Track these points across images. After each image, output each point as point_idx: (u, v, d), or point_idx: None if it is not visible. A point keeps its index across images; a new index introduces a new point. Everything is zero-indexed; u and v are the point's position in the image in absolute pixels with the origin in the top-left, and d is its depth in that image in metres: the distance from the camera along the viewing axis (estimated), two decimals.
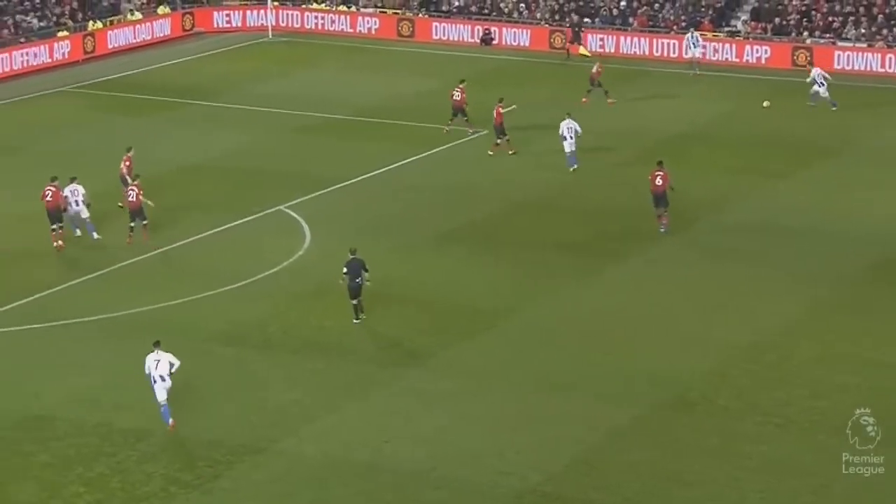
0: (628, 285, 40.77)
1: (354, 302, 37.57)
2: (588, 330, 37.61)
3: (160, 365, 32.16)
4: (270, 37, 74.15)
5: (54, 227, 42.91)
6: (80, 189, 43.88)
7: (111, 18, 71.62)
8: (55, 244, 42.85)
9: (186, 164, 52.28)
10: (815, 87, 58.34)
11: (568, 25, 71.39)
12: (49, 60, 66.75)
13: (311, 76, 66.40)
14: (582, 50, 69.79)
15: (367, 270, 37.58)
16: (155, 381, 32.13)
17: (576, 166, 50.08)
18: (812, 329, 37.36)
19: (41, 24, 69.13)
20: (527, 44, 71.63)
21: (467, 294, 40.09)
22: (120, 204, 45.42)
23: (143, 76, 66.32)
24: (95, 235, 43.92)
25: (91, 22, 70.39)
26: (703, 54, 66.83)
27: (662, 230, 44.23)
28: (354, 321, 37.51)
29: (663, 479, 30.02)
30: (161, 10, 74.10)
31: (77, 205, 43.73)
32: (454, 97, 54.82)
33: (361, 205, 47.95)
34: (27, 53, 66.14)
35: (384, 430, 32.37)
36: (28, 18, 68.83)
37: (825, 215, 46.19)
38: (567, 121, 50.18)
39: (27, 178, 48.24)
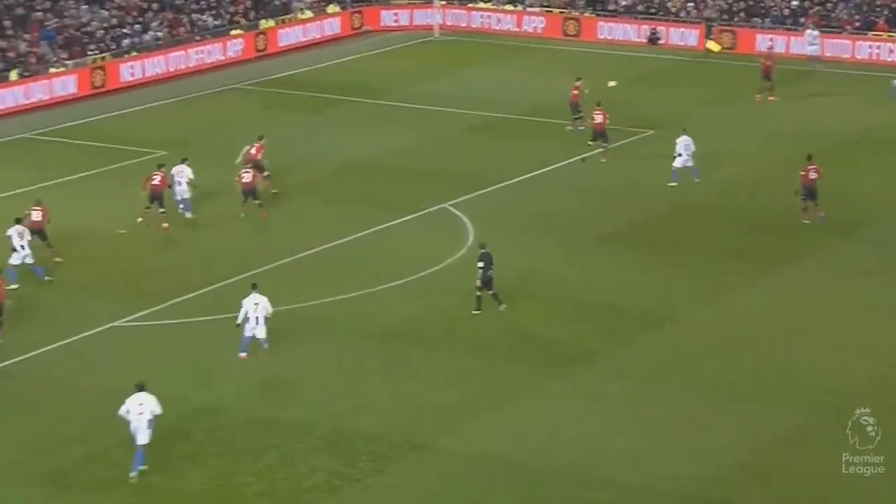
0: (795, 289, 40.16)
1: (480, 293, 37.76)
2: (753, 334, 37.16)
3: (259, 308, 35.24)
4: (437, 35, 74.47)
5: (161, 210, 44.94)
6: (188, 171, 45.77)
7: (282, 17, 72.62)
8: (146, 221, 44.89)
9: (352, 161, 52.72)
10: None
11: (702, 21, 70.61)
12: (222, 58, 67.94)
13: (476, 75, 66.51)
14: (710, 45, 68.82)
15: (493, 264, 37.96)
16: (255, 321, 35.23)
17: (675, 183, 48.70)
18: None
19: (216, 22, 70.40)
20: (694, 44, 70.91)
21: (631, 296, 39.84)
22: (242, 215, 45.96)
23: (312, 74, 67.06)
24: (188, 215, 45.96)
25: (263, 20, 71.47)
26: (821, 52, 65.88)
27: (807, 222, 44.36)
28: (474, 312, 37.87)
29: (830, 487, 29.52)
30: (330, 8, 74.92)
31: (180, 185, 45.63)
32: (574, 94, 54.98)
33: (525, 204, 47.93)
34: (201, 51, 67.39)
35: (546, 430, 32.33)
36: (204, 17, 70.16)
37: None
38: (683, 137, 49.03)
39: (198, 173, 49.13)
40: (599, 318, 38.29)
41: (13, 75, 60.69)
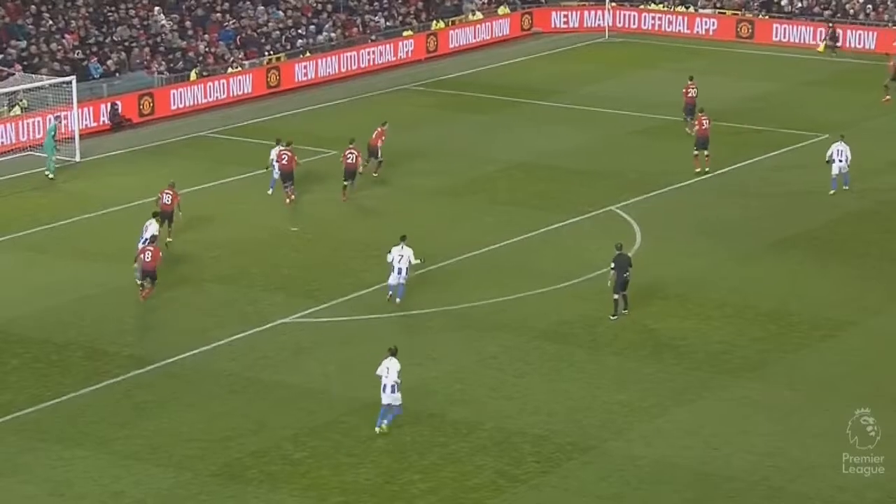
0: None
1: (616, 296, 37.58)
2: None
3: (402, 259, 37.90)
4: (607, 37, 73.96)
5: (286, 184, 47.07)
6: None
7: (453, 18, 72.76)
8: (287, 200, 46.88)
9: (521, 161, 52.60)
10: None
11: (826, 22, 69.98)
12: (394, 59, 68.29)
13: (646, 77, 65.86)
14: (820, 47, 68.32)
15: (631, 266, 37.64)
16: (398, 271, 37.89)
17: (834, 191, 47.75)
18: None
19: (388, 23, 70.82)
20: (873, 46, 69.31)
21: (805, 303, 39.11)
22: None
23: (483, 75, 67.08)
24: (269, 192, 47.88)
25: (434, 22, 71.70)
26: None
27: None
28: (611, 317, 37.61)
29: None
30: (501, 10, 74.87)
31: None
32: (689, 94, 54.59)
33: (694, 207, 47.33)
34: (373, 52, 67.82)
35: (715, 437, 31.82)
36: (376, 18, 70.64)
37: None
38: (839, 143, 47.72)
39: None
40: (771, 325, 37.61)
41: (193, 75, 61.73)
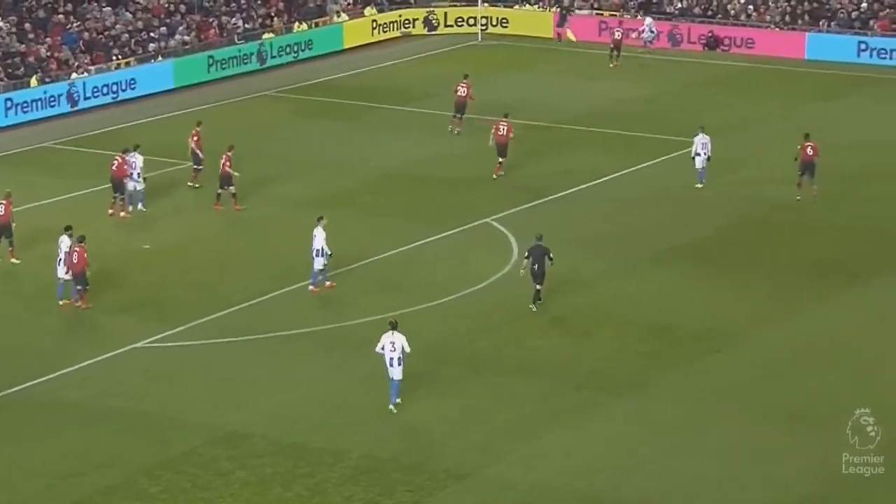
0: (871, 309, 39.66)
1: (538, 287, 38.70)
2: (824, 356, 36.75)
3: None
4: (480, 40, 74.27)
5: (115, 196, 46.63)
6: (139, 161, 47.17)
7: (317, 20, 72.43)
8: (115, 212, 46.64)
9: (389, 169, 52.44)
10: None
11: (557, 8, 72.45)
12: (258, 65, 67.76)
13: (520, 81, 66.06)
14: (569, 34, 69.71)
15: (551, 259, 38.82)
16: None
17: (702, 185, 49.49)
18: None
19: (246, 25, 70.25)
20: (754, 49, 70.39)
21: (690, 315, 39.47)
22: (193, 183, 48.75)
23: (348, 79, 66.94)
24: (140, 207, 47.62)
25: (297, 24, 71.30)
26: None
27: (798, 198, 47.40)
28: (532, 307, 38.79)
29: None
30: (368, 11, 74.72)
31: (134, 178, 47.12)
32: (458, 92, 55.98)
33: (572, 218, 47.49)
34: (234, 55, 67.24)
35: (598, 458, 31.94)
36: (233, 20, 70.03)
37: None
38: (700, 135, 49.49)
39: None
40: (656, 340, 37.83)
41: (33, 81, 60.65)
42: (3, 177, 49.62)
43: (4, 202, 42.91)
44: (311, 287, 40.80)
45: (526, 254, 39.13)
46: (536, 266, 38.85)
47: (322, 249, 40.25)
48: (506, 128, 51.03)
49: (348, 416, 34.03)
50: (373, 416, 34.00)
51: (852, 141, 55.31)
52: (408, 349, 33.76)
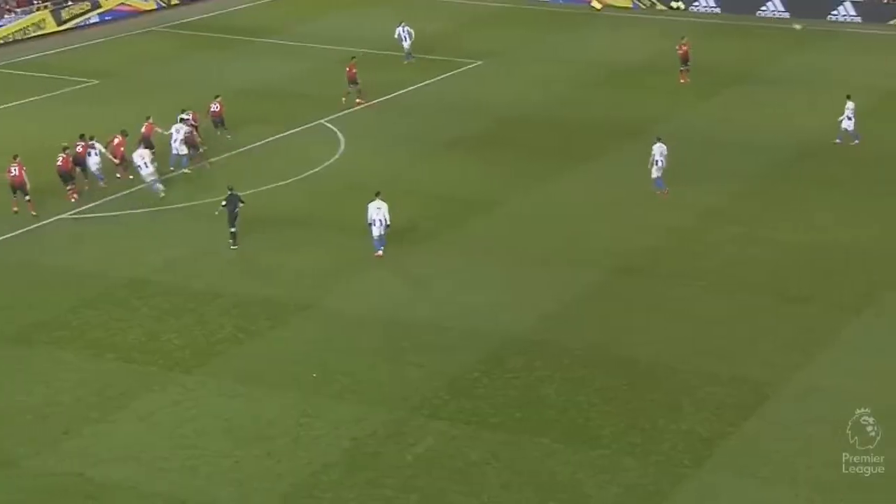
0: (596, 182, 40.58)
1: (232, 229, 35.08)
2: (557, 217, 37.66)
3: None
4: None
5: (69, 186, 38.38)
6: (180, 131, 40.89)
7: None
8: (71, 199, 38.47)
9: (250, 87, 52.04)
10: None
11: None
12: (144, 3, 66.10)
13: (341, 18, 65.54)
14: (594, 2, 65.61)
15: (242, 202, 35.14)
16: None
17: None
18: (731, 215, 37.46)
19: None
20: None
21: (465, 189, 40.12)
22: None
23: (216, 19, 65.70)
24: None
25: None
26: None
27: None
28: (232, 247, 35.16)
29: (617, 328, 30.45)
30: None
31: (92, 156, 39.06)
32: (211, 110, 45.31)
33: (385, 121, 47.81)
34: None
35: (400, 293, 32.76)
36: None
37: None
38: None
39: (126, 97, 48.43)
40: (441, 207, 38.48)
41: None
42: None
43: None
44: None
45: (223, 202, 34.99)
46: (234, 210, 34.93)
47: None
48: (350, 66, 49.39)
49: (219, 266, 34.31)
50: (238, 265, 34.35)
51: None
52: (388, 215, 33.58)
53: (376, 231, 34.40)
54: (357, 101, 48.87)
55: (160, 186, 39.20)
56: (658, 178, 38.74)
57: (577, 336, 30.09)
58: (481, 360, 28.88)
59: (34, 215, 37.30)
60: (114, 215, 38.00)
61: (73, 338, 30.04)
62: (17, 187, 37.10)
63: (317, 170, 41.90)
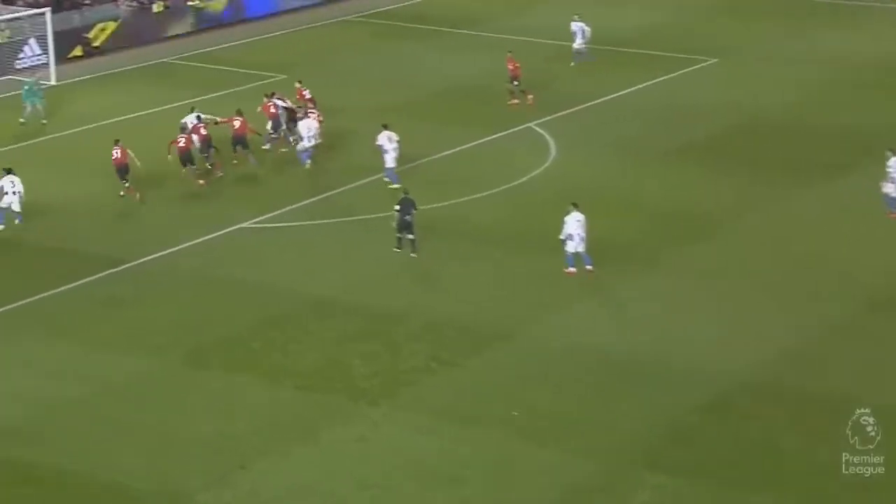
0: (839, 200, 39.71)
1: (404, 235, 35.84)
2: (796, 240, 36.83)
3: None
4: None
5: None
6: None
7: None
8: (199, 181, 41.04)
9: (449, 84, 52.47)
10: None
11: None
12: None
13: (553, 8, 65.60)
14: None
15: (416, 209, 35.90)
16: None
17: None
18: None
19: None
20: None
21: (690, 204, 39.65)
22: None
23: (413, 7, 66.70)
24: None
25: None
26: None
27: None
28: (411, 254, 35.86)
29: (870, 373, 29.51)
30: None
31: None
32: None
33: (601, 124, 47.71)
34: None
35: (612, 322, 32.61)
36: None
37: None
38: (576, 22, 48.88)
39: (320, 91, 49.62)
40: (665, 224, 38.14)
41: (156, 7, 61.14)
42: (125, 90, 50.39)
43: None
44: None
45: (397, 206, 35.90)
46: (406, 217, 35.73)
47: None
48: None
49: (413, 285, 34.75)
50: (433, 285, 34.68)
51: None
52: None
53: (573, 247, 34.37)
54: (513, 101, 48.93)
55: (308, 161, 41.69)
56: (889, 195, 37.91)
57: (820, 379, 29.33)
58: (706, 402, 28.43)
59: (139, 201, 39.98)
60: (294, 226, 38.89)
61: (250, 361, 30.80)
62: (121, 170, 40.08)
63: (523, 179, 42.03)
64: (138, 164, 40.78)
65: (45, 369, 30.37)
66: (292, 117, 43.98)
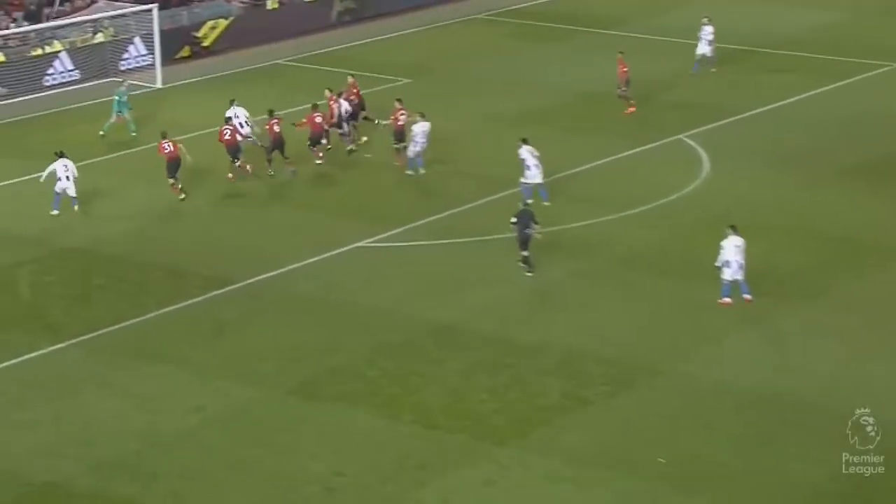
0: None
1: (525, 253, 35.94)
2: None
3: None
4: None
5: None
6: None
7: None
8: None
9: (588, 90, 52.24)
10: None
11: None
12: None
13: (716, 7, 64.86)
14: None
15: (537, 223, 35.89)
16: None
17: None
18: None
19: None
20: None
21: (866, 230, 38.82)
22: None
23: (552, 4, 66.58)
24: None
25: None
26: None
27: None
28: (528, 273, 35.97)
29: None
30: None
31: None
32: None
33: (760, 136, 46.94)
34: None
35: (774, 359, 31.89)
36: None
37: None
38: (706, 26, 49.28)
39: (441, 99, 49.57)
40: (835, 251, 37.35)
41: (270, 3, 61.69)
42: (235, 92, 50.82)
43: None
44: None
45: (514, 219, 35.93)
46: (525, 230, 35.76)
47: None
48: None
49: (547, 313, 34.41)
50: (570, 313, 34.33)
51: None
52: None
53: (730, 275, 33.76)
54: (629, 108, 48.94)
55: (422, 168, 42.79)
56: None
57: None
58: (885, 449, 27.51)
59: (182, 198, 41.41)
60: (416, 245, 38.81)
61: (368, 393, 30.66)
62: (173, 166, 41.48)
63: (672, 197, 41.54)
64: (189, 159, 41.71)
65: (147, 399, 30.53)
66: (355, 115, 45.15)
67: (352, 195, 42.55)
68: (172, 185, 41.63)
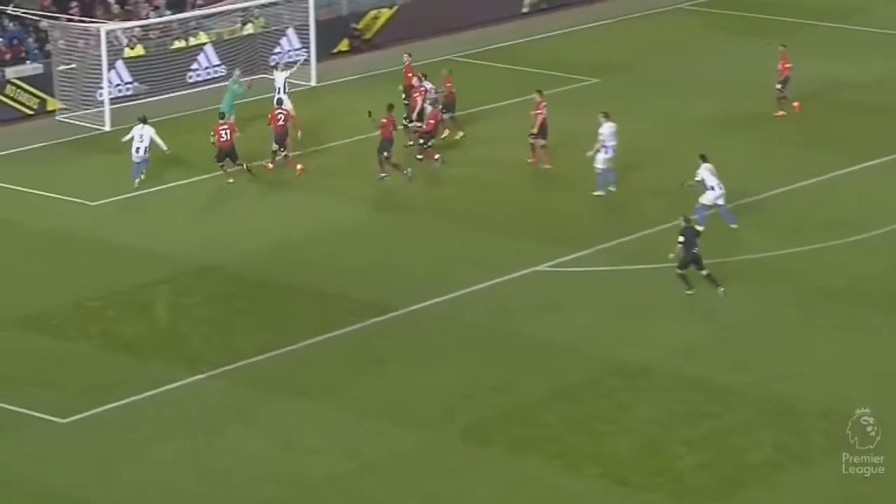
0: None
1: (701, 272, 36.23)
2: None
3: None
4: None
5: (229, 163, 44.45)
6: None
7: None
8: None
9: (806, 94, 51.26)
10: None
11: None
12: None
13: None
14: None
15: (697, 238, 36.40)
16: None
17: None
18: None
19: None
20: None
21: None
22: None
23: None
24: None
25: None
26: None
27: None
28: (719, 290, 36.28)
29: None
30: None
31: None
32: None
33: None
34: None
35: None
36: None
37: None
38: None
39: (635, 99, 49.33)
40: None
41: None
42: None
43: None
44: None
45: (681, 238, 36.32)
46: (692, 250, 36.25)
47: None
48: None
49: (759, 355, 33.94)
50: (781, 354, 33.90)
51: None
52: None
53: None
54: (779, 111, 48.90)
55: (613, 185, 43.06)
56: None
57: None
58: None
59: (230, 182, 44.11)
60: (603, 271, 38.61)
61: (543, 440, 30.51)
62: (226, 153, 43.89)
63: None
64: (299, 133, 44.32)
65: (294, 439, 30.77)
66: (449, 104, 46.72)
67: (525, 211, 42.53)
68: (223, 166, 43.98)
